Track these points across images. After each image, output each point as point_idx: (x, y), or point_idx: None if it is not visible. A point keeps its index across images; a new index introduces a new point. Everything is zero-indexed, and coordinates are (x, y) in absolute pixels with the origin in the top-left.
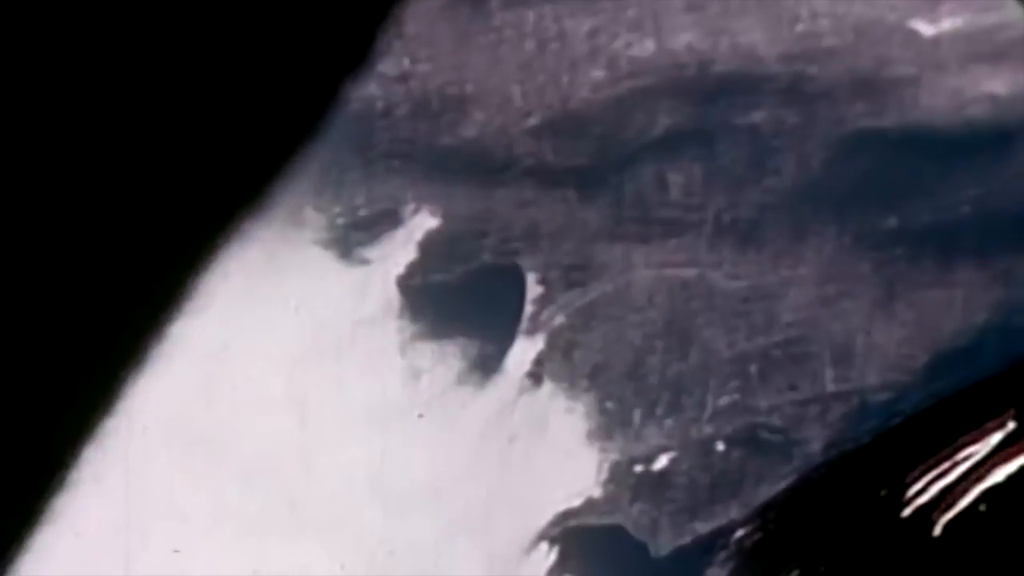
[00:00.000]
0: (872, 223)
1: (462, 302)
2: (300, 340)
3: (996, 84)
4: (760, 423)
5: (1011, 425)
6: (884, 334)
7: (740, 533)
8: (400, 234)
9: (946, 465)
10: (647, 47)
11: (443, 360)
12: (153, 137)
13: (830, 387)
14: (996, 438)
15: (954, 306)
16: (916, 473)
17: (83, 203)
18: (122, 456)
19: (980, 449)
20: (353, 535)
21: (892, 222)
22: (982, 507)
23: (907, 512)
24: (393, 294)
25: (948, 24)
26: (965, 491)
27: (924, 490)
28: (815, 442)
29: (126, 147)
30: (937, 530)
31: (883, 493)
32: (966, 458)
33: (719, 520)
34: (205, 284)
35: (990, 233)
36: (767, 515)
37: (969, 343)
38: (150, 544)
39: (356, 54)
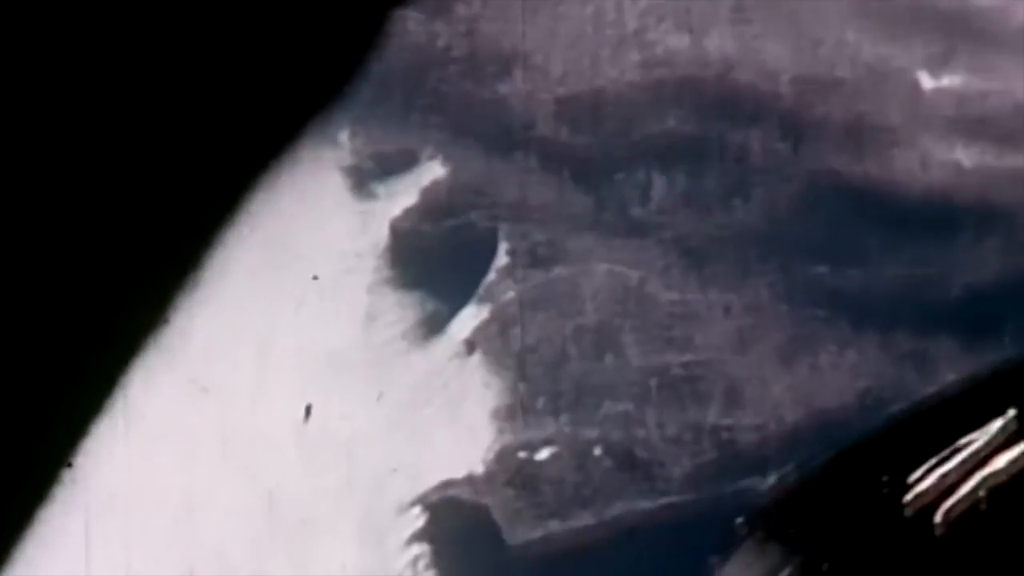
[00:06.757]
0: (806, 270)
1: (438, 256)
2: (297, 274)
3: (965, 154)
4: (639, 439)
5: (1010, 413)
6: (775, 380)
7: (742, 526)
8: (410, 177)
9: (945, 452)
10: (683, 40)
11: (400, 309)
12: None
13: (711, 418)
14: (995, 426)
15: (843, 368)
16: (917, 464)
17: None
18: None
19: (979, 437)
20: (271, 477)
21: (824, 273)
22: (983, 497)
23: (908, 500)
24: (384, 234)
25: (947, 81)
26: (965, 478)
27: (924, 477)
28: (677, 470)
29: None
30: (938, 518)
31: (884, 483)
32: (966, 445)
33: (571, 523)
34: (248, 212)
35: (901, 310)
36: (769, 509)
37: (842, 406)
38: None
39: None
